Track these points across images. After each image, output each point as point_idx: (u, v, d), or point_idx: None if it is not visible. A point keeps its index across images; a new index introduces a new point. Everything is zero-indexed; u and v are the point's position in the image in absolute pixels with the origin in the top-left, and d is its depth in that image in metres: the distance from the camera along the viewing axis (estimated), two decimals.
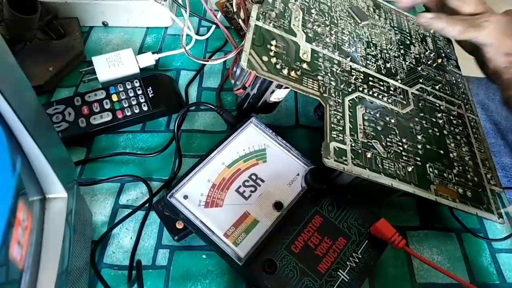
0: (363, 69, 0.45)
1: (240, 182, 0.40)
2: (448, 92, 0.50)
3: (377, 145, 0.39)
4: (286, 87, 0.40)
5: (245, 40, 0.39)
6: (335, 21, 0.49)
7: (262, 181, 0.40)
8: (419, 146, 0.41)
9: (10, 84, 0.24)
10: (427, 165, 0.40)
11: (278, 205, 0.39)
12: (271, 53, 0.40)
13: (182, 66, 0.58)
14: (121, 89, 0.51)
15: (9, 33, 0.50)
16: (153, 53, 0.57)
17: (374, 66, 0.46)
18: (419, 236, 0.44)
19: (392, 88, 0.45)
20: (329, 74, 0.42)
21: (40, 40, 0.56)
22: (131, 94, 0.51)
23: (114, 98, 0.50)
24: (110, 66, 0.53)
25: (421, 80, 0.48)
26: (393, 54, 0.50)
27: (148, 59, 0.56)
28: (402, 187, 0.37)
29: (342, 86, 0.42)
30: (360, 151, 0.37)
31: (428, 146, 0.42)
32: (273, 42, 0.40)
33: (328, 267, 0.36)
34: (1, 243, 0.22)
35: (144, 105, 0.50)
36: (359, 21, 0.51)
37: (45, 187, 0.31)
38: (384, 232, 0.37)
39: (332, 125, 0.38)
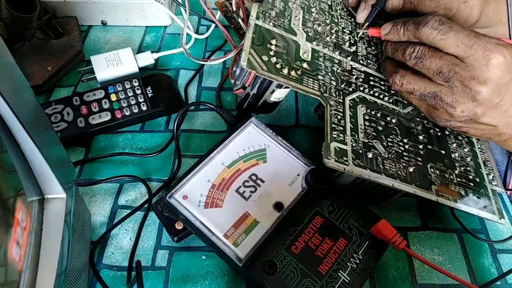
0: (363, 68, 0.45)
1: (240, 182, 0.40)
2: None
3: (378, 145, 0.39)
4: (286, 87, 0.40)
5: (245, 39, 0.39)
6: (336, 20, 0.48)
7: (262, 181, 0.40)
8: (421, 146, 0.41)
9: (9, 83, 0.24)
10: (429, 166, 0.40)
11: (278, 206, 0.39)
12: (271, 53, 0.39)
13: (181, 65, 0.58)
14: (120, 89, 0.51)
15: (7, 32, 0.50)
16: (152, 52, 0.57)
17: (375, 66, 0.46)
18: (420, 236, 0.44)
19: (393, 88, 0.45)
20: (329, 74, 0.42)
21: (39, 40, 0.56)
22: (130, 94, 0.50)
23: (113, 97, 0.50)
24: (109, 65, 0.53)
25: None
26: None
27: (147, 58, 0.56)
28: (403, 187, 0.37)
29: (342, 86, 0.42)
30: (361, 151, 0.37)
31: (429, 146, 0.42)
32: (273, 42, 0.40)
33: (328, 268, 0.36)
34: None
35: (143, 105, 0.50)
36: None
37: (44, 188, 0.31)
38: (385, 233, 0.37)
39: (333, 125, 0.38)
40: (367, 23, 0.47)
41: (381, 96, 0.43)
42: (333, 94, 0.40)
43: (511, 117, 0.37)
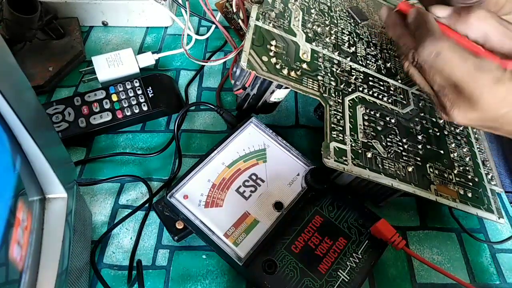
0: (363, 69, 0.45)
1: (240, 182, 0.40)
2: None
3: (377, 145, 0.39)
4: (286, 87, 0.40)
5: (245, 40, 0.39)
6: (335, 21, 0.49)
7: (262, 181, 0.40)
8: (420, 146, 0.41)
9: (10, 84, 0.24)
10: (428, 165, 0.40)
11: (278, 205, 0.39)
12: (271, 53, 0.40)
13: (182, 66, 0.58)
14: (121, 89, 0.51)
15: (9, 33, 0.50)
16: (153, 53, 0.57)
17: (374, 66, 0.46)
18: (420, 236, 0.44)
19: (392, 88, 0.45)
20: (329, 74, 0.42)
21: (40, 40, 0.56)
22: (131, 94, 0.51)
23: (114, 98, 0.50)
24: (110, 66, 0.53)
25: None
26: (393, 53, 0.50)
27: (148, 59, 0.56)
28: (402, 187, 0.37)
29: (342, 86, 0.42)
30: (360, 151, 0.37)
31: (428, 146, 0.42)
32: (273, 42, 0.40)
33: (328, 267, 0.36)
34: (0, 243, 0.22)
35: (144, 105, 0.50)
36: (359, 21, 0.51)
37: (45, 187, 0.31)
38: (384, 233, 0.37)
39: (332, 125, 0.38)
40: None
41: (380, 96, 0.43)
42: (333, 95, 0.40)
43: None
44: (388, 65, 0.48)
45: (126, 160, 0.48)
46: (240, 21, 0.49)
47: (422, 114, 0.45)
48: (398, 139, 0.41)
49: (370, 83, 0.44)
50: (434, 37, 0.33)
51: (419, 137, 0.42)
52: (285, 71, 0.39)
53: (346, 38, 0.47)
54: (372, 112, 0.41)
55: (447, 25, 0.36)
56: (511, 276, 0.42)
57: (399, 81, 0.47)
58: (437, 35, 0.34)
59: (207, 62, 0.52)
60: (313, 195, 0.40)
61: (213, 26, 0.58)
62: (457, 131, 0.46)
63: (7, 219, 0.24)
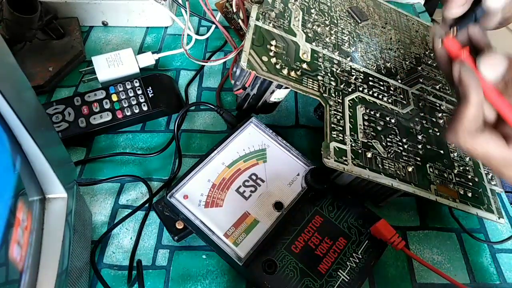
0: (363, 69, 0.45)
1: (240, 182, 0.40)
2: (448, 91, 0.50)
3: (377, 145, 0.39)
4: (286, 87, 0.40)
5: (245, 40, 0.39)
6: (335, 21, 0.49)
7: (262, 181, 0.40)
8: (420, 146, 0.41)
9: (10, 84, 0.24)
10: (428, 165, 0.40)
11: (278, 205, 0.39)
12: (271, 53, 0.40)
13: (182, 66, 0.58)
14: (121, 89, 0.51)
15: (9, 33, 0.50)
16: (153, 53, 0.57)
17: (374, 66, 0.46)
18: (420, 236, 0.44)
19: (392, 88, 0.45)
20: (329, 74, 0.42)
21: (40, 40, 0.56)
22: (131, 94, 0.51)
23: (114, 98, 0.50)
24: (110, 66, 0.53)
25: (421, 80, 0.48)
26: (393, 54, 0.50)
27: (148, 59, 0.56)
28: (402, 187, 0.37)
29: (342, 86, 0.42)
30: (360, 151, 0.37)
31: (428, 146, 0.42)
32: (273, 42, 0.40)
33: (328, 267, 0.36)
34: (0, 243, 0.22)
35: (144, 105, 0.50)
36: (359, 21, 0.51)
37: (45, 187, 0.31)
38: (384, 233, 0.37)
39: (332, 125, 0.38)
40: (454, 28, 0.32)
41: (380, 96, 0.43)
42: (333, 95, 0.40)
43: None
44: (388, 65, 0.48)
45: (126, 160, 0.48)
46: (240, 21, 0.49)
47: (422, 114, 0.45)
48: (398, 139, 0.41)
49: (370, 83, 0.44)
50: (455, 130, 0.30)
51: (419, 137, 0.42)
52: (285, 71, 0.39)
53: (346, 38, 0.47)
54: (372, 112, 0.41)
55: (495, 87, 0.29)
56: (511, 276, 0.42)
57: (399, 81, 0.47)
58: (460, 128, 0.29)
59: (207, 62, 0.52)
60: (313, 195, 0.40)
61: (213, 26, 0.58)
62: None
63: (7, 219, 0.24)
